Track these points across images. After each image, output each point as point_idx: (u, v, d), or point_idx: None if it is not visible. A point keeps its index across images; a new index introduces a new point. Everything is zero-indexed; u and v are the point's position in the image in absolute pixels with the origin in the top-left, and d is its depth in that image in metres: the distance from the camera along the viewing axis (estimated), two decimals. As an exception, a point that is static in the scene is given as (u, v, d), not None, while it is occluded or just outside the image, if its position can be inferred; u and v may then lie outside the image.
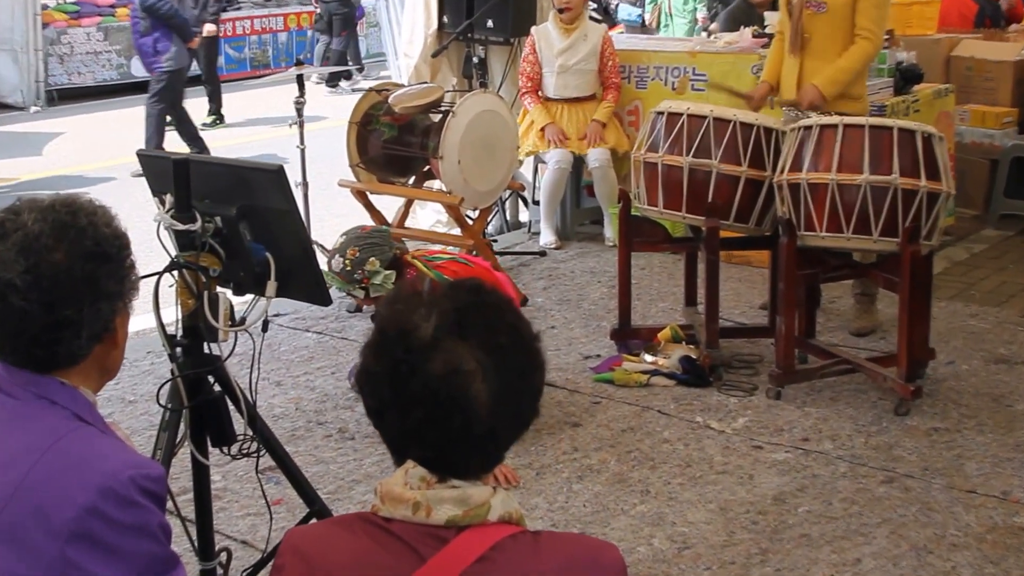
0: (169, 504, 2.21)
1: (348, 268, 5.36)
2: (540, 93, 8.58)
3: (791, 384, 5.93)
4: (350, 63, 18.56)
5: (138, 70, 16.28)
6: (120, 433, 2.37)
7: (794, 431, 5.54)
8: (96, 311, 2.22)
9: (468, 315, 1.93)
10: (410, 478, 1.93)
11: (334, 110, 14.52)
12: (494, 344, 1.91)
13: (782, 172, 5.82)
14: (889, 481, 5.05)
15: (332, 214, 9.50)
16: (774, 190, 5.96)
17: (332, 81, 17.83)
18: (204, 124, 14.53)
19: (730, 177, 6.06)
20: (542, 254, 8.53)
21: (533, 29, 8.59)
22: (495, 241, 8.66)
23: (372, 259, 5.38)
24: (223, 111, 14.82)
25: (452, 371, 1.88)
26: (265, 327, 3.50)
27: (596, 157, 8.42)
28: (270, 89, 15.08)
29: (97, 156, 13.02)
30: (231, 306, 3.43)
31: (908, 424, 5.59)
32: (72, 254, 2.19)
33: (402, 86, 7.94)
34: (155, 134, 11.98)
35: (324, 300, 3.58)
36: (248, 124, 14.89)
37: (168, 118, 12.19)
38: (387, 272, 5.38)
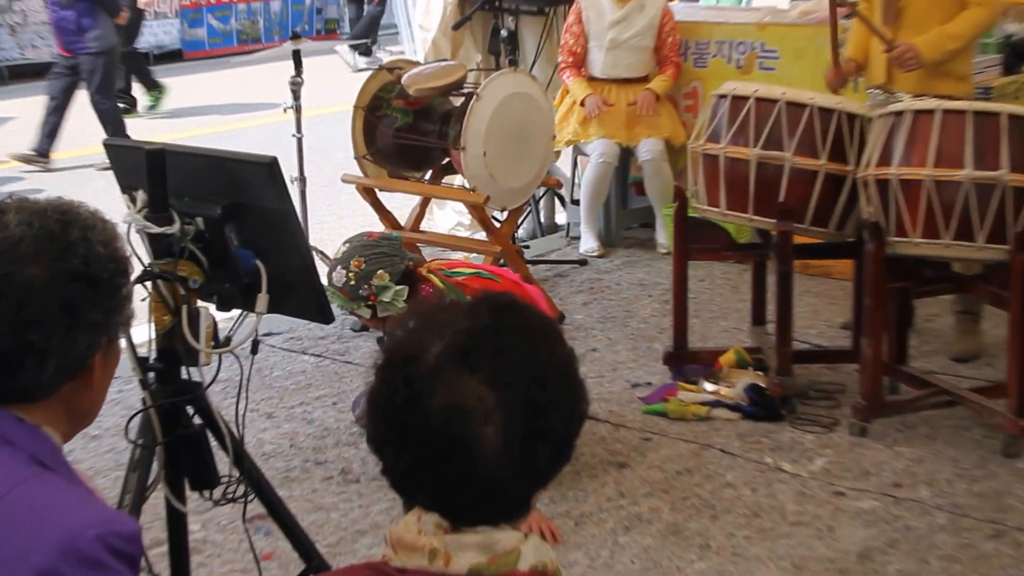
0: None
1: (352, 282, 5.35)
2: (584, 71, 8.59)
3: (879, 419, 5.91)
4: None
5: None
6: (90, 484, 2.36)
7: (883, 475, 5.52)
8: (69, 342, 2.20)
9: (480, 340, 1.92)
10: (424, 524, 1.94)
11: (337, 93, 14.56)
12: (503, 379, 1.90)
13: (868, 166, 5.80)
14: (997, 536, 5.02)
15: (334, 215, 9.54)
16: (858, 188, 5.95)
17: (360, 48, 17.76)
18: (149, 106, 14.55)
19: (806, 172, 6.05)
20: (583, 263, 8.54)
21: (580, -3, 8.62)
22: (527, 247, 8.68)
23: (380, 272, 5.37)
24: (159, 80, 14.75)
25: (452, 407, 1.88)
26: (255, 348, 3.51)
27: (648, 148, 8.43)
28: (261, 68, 15.20)
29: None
30: (214, 323, 3.44)
31: (1019, 467, 5.56)
32: (52, 271, 2.18)
33: (418, 64, 7.95)
34: (118, 130, 12.01)
35: (325, 317, 3.59)
36: (235, 109, 14.97)
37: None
38: (398, 288, 5.37)
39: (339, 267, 5.39)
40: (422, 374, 1.90)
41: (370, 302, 5.36)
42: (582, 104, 8.46)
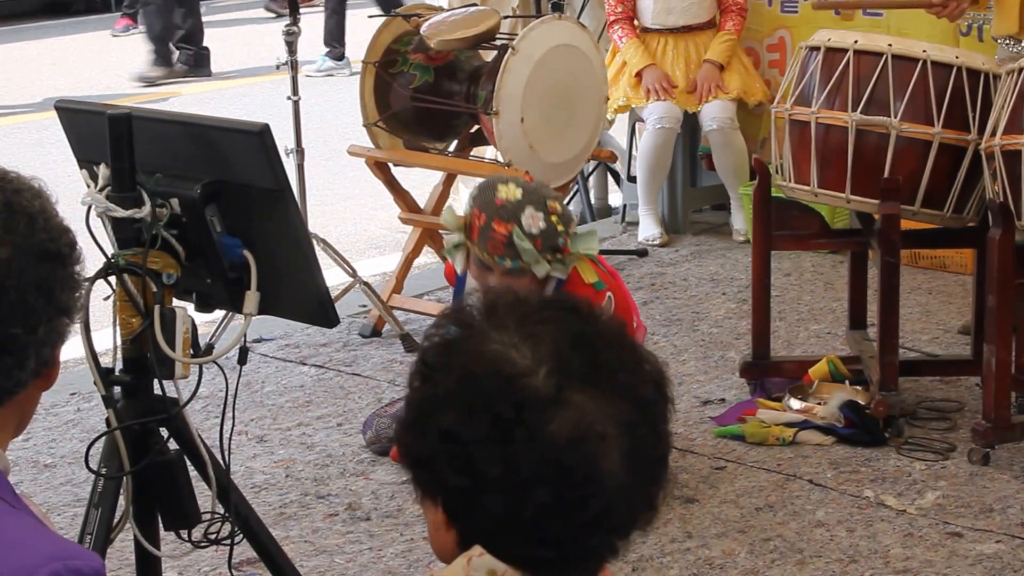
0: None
1: (559, 227, 5.22)
2: (636, 23, 8.59)
3: (1005, 443, 5.89)
4: None
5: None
6: (36, 509, 2.36)
7: (1009, 512, 5.50)
8: (51, 330, 2.21)
9: (587, 352, 1.96)
10: (474, 570, 1.96)
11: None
12: (624, 396, 1.96)
13: (994, 135, 5.79)
14: None
15: (338, 195, 9.55)
16: (982, 161, 5.93)
17: None
18: None
19: (917, 142, 6.05)
20: (642, 253, 8.56)
21: (631, -69, 8.63)
22: (574, 234, 8.68)
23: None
24: None
25: (576, 433, 1.92)
26: (243, 358, 3.53)
27: (714, 114, 8.41)
28: (248, 13, 15.23)
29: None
30: (193, 327, 3.46)
31: None
32: (22, 249, 2.18)
33: (441, 10, 7.96)
34: None
35: (328, 319, 3.60)
36: (216, 65, 14.98)
37: None
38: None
39: (530, 208, 5.20)
40: (535, 398, 1.93)
41: (561, 255, 5.27)
42: (637, 76, 8.45)
